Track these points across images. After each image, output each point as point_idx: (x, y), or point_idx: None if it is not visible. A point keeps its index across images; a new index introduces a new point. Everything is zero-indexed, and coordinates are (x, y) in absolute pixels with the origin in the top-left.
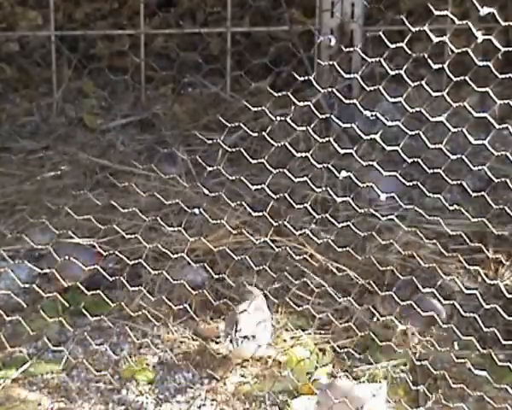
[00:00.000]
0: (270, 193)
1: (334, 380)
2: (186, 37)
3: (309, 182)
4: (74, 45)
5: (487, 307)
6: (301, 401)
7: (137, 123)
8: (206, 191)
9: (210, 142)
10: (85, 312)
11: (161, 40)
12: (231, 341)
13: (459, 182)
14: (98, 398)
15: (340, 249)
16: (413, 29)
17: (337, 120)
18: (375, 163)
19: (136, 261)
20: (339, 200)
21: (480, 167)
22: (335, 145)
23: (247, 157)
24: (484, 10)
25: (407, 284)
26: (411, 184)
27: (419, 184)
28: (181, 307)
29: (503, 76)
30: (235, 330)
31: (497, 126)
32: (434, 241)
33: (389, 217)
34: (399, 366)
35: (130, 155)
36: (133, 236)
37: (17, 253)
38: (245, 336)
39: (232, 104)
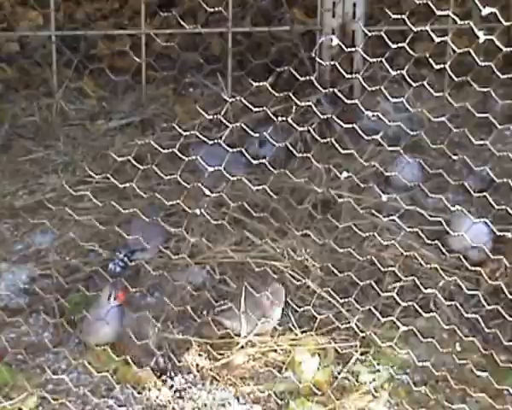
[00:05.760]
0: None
1: None
2: (187, 37)
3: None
4: (75, 45)
5: (489, 307)
6: (302, 401)
7: (138, 123)
8: (208, 192)
9: (211, 142)
10: (86, 313)
11: (162, 40)
12: None
13: (461, 182)
14: (99, 399)
15: (340, 250)
16: (415, 29)
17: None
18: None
19: (138, 262)
20: (340, 200)
21: (481, 168)
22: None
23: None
24: (486, 10)
25: None
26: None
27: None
28: (182, 308)
29: (505, 76)
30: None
31: (499, 127)
32: (436, 241)
33: (391, 217)
34: (401, 367)
35: (130, 155)
36: (134, 237)
37: (18, 254)
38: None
39: (233, 104)
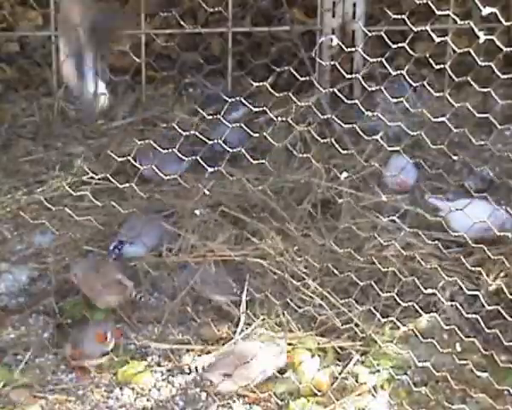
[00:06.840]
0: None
1: None
2: (187, 37)
3: (310, 182)
4: None
5: (489, 308)
6: (302, 402)
7: (138, 123)
8: (207, 192)
9: (211, 142)
10: (85, 314)
11: (162, 40)
12: None
13: (461, 182)
14: (98, 400)
15: (340, 250)
16: (415, 29)
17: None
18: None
19: (137, 262)
20: (340, 200)
21: (481, 168)
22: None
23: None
24: (486, 10)
25: None
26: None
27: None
28: (182, 307)
29: (505, 76)
30: None
31: (499, 127)
32: (436, 241)
33: (391, 217)
34: (401, 367)
35: (130, 155)
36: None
37: (18, 254)
38: None
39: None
